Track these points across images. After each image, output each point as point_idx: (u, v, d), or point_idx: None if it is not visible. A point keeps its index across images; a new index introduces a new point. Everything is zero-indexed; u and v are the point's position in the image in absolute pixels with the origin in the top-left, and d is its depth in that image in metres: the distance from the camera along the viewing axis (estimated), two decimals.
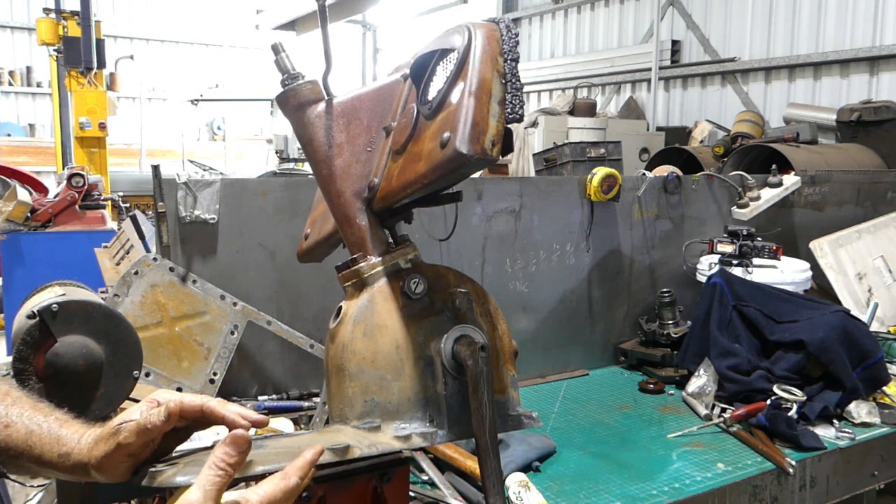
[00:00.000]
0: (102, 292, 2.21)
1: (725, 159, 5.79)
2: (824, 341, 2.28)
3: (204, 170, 10.74)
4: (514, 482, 1.76)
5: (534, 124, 7.43)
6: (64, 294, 1.49)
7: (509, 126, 1.07)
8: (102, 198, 6.21)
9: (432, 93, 1.13)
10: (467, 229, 2.50)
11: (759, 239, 2.81)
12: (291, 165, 10.12)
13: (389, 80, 1.30)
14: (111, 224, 5.96)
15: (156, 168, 2.05)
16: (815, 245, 3.16)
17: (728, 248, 2.77)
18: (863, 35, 6.47)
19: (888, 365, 2.49)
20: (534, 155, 6.78)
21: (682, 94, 8.34)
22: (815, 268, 2.98)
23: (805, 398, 2.19)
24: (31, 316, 1.40)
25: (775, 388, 2.20)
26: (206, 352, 2.03)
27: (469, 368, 1.09)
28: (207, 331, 2.04)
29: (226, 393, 2.13)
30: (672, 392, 2.55)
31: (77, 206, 5.78)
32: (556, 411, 2.39)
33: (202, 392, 1.99)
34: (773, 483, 1.94)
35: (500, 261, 2.58)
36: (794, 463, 1.95)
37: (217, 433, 1.78)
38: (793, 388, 2.20)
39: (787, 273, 2.72)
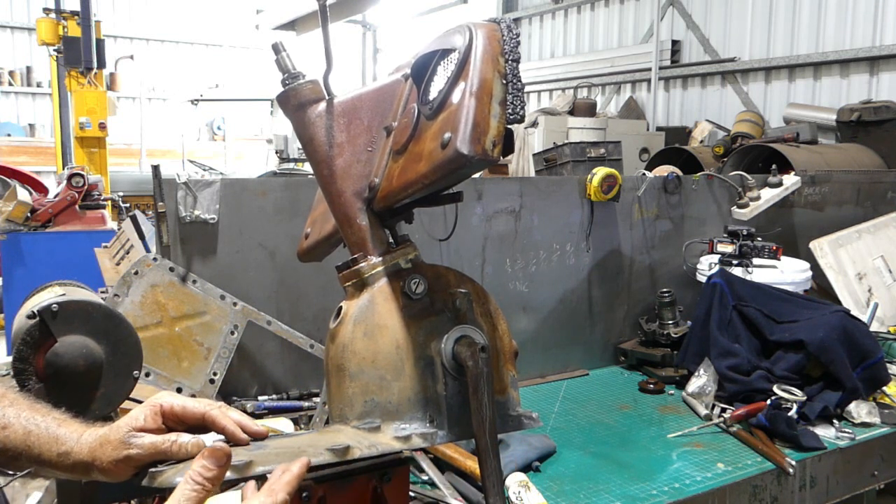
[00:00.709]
0: (102, 292, 2.21)
1: (725, 159, 5.79)
2: (824, 341, 2.28)
3: (204, 170, 10.74)
4: (514, 482, 1.76)
5: (534, 124, 7.43)
6: (64, 294, 1.49)
7: (510, 126, 1.06)
8: (102, 198, 6.21)
9: (433, 93, 1.13)
10: (467, 229, 2.50)
11: (759, 239, 2.81)
12: (291, 165, 10.12)
13: (390, 79, 1.30)
14: (111, 224, 5.96)
15: (156, 168, 2.05)
16: (815, 245, 3.16)
17: (728, 248, 2.77)
18: (863, 35, 6.47)
19: (888, 365, 2.49)
20: (534, 155, 6.78)
21: (682, 94, 8.34)
22: (815, 268, 2.98)
23: (805, 398, 2.19)
24: (31, 316, 1.40)
25: (775, 388, 2.20)
26: (206, 352, 2.03)
27: (469, 369, 1.09)
28: (207, 331, 2.04)
29: (226, 393, 2.13)
30: (672, 392, 2.55)
31: (77, 206, 5.78)
32: (556, 411, 2.39)
33: (202, 392, 1.99)
34: (773, 483, 1.94)
35: (500, 261, 2.58)
36: (794, 463, 1.95)
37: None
38: (793, 388, 2.20)
39: (787, 273, 2.72)
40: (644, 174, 2.94)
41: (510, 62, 1.08)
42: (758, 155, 5.65)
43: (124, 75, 15.36)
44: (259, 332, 2.15)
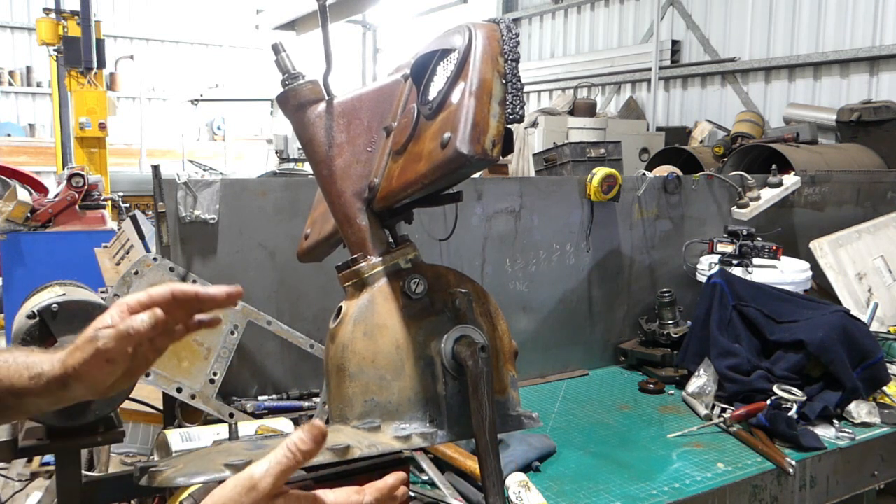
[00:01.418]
0: (102, 292, 2.21)
1: (725, 159, 5.80)
2: (824, 341, 2.28)
3: (204, 170, 10.74)
4: (514, 482, 1.76)
5: (534, 124, 7.43)
6: (64, 294, 1.49)
7: (509, 126, 1.07)
8: (102, 198, 6.21)
9: (433, 93, 1.13)
10: (467, 229, 2.50)
11: (759, 239, 2.81)
12: (291, 165, 10.12)
13: (390, 80, 1.30)
14: (111, 224, 5.96)
15: (156, 168, 2.05)
16: (815, 245, 3.16)
17: (728, 248, 2.77)
18: (863, 35, 6.47)
19: (888, 365, 2.49)
20: (534, 155, 6.78)
21: (682, 94, 8.34)
22: (815, 268, 2.98)
23: (805, 398, 2.19)
24: (31, 316, 1.40)
25: (775, 388, 2.20)
26: (206, 352, 2.03)
27: (469, 369, 1.09)
28: (207, 331, 2.04)
29: (226, 393, 2.13)
30: (672, 392, 2.55)
31: (77, 206, 5.77)
32: (556, 411, 2.39)
33: (202, 392, 1.99)
34: (773, 483, 1.94)
35: (500, 261, 2.58)
36: (794, 463, 1.95)
37: (217, 433, 1.78)
38: (793, 388, 2.20)
39: (787, 273, 2.72)
40: (644, 174, 2.94)
41: (510, 62, 1.08)
42: (758, 155, 5.65)
43: (124, 75, 15.36)
44: (259, 332, 2.15)
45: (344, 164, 1.22)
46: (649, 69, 8.17)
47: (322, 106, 1.23)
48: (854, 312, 2.65)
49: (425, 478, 1.84)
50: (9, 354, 1.04)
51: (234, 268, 2.16)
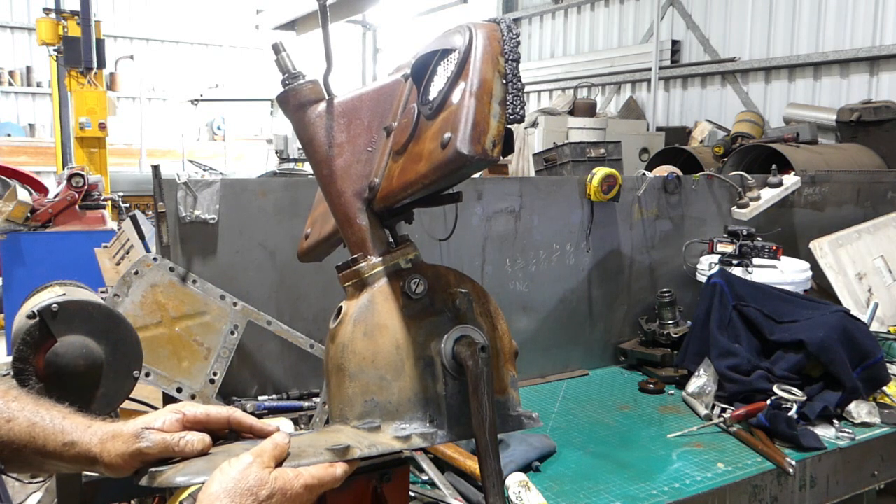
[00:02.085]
0: (102, 292, 2.21)
1: (725, 159, 5.80)
2: (824, 341, 2.28)
3: (204, 170, 10.73)
4: (514, 482, 1.76)
5: (534, 124, 7.44)
6: (64, 294, 1.49)
7: (510, 126, 1.06)
8: (102, 198, 6.21)
9: (433, 93, 1.13)
10: (467, 229, 2.50)
11: (759, 239, 2.81)
12: (291, 165, 10.12)
13: (390, 79, 1.30)
14: (111, 224, 5.96)
15: (156, 168, 2.05)
16: (815, 245, 3.15)
17: (728, 248, 2.77)
18: (863, 35, 6.47)
19: (888, 365, 2.49)
20: (534, 155, 6.78)
21: (682, 94, 8.34)
22: (815, 268, 2.98)
23: (805, 398, 2.19)
24: (31, 316, 1.40)
25: (775, 388, 2.20)
26: (206, 352, 2.03)
27: (469, 369, 1.09)
28: (207, 331, 2.04)
29: (226, 393, 2.13)
30: (672, 392, 2.55)
31: (77, 206, 5.78)
32: (556, 411, 2.39)
33: (202, 392, 1.99)
34: (773, 483, 1.94)
35: (500, 261, 2.58)
36: (794, 463, 1.95)
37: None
38: (793, 388, 2.20)
39: (787, 273, 2.72)
40: (644, 174, 2.94)
41: (510, 62, 1.08)
42: (758, 155, 5.66)
43: (124, 75, 15.37)
44: (259, 332, 2.15)
45: (344, 164, 1.21)
46: (649, 69, 8.17)
47: (322, 106, 1.23)
48: (854, 312, 2.65)
49: (425, 478, 1.84)
50: (46, 413, 1.04)
51: (234, 268, 2.16)
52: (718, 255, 2.78)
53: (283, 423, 2.03)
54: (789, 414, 2.12)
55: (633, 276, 2.92)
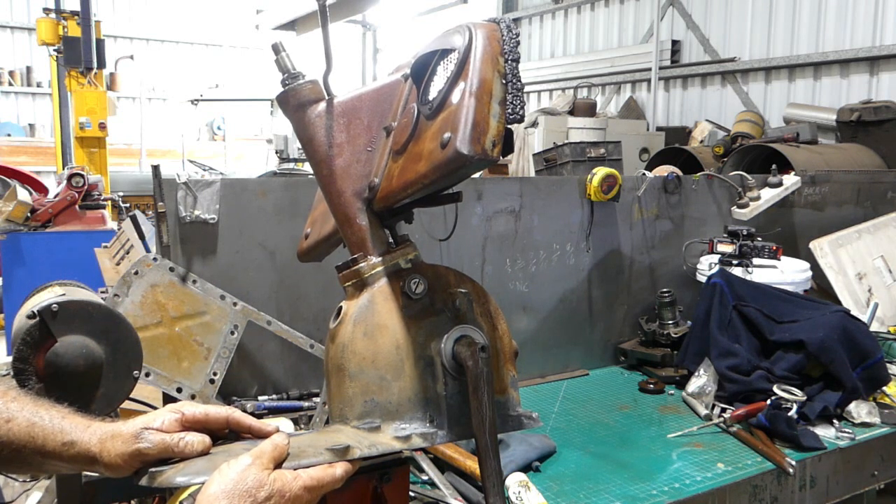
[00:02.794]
0: (102, 292, 2.21)
1: (725, 159, 5.80)
2: (824, 341, 2.28)
3: (204, 170, 10.74)
4: (514, 482, 1.76)
5: (534, 124, 7.43)
6: (64, 294, 1.49)
7: (510, 126, 1.06)
8: (102, 198, 6.21)
9: (433, 93, 1.13)
10: (467, 229, 2.50)
11: (759, 239, 2.81)
12: (291, 165, 10.11)
13: (390, 79, 1.30)
14: (111, 224, 5.96)
15: (156, 168, 2.05)
16: (815, 245, 3.15)
17: (728, 248, 2.77)
18: (863, 35, 6.47)
19: (888, 365, 2.49)
20: (534, 155, 6.78)
21: (682, 94, 8.34)
22: (815, 268, 2.98)
23: (805, 398, 2.19)
24: (31, 316, 1.40)
25: (775, 388, 2.20)
26: (206, 352, 2.03)
27: (469, 369, 1.09)
28: (207, 331, 2.04)
29: (226, 393, 2.13)
30: (672, 392, 2.55)
31: (77, 206, 5.78)
32: (556, 411, 2.39)
33: (202, 392, 1.99)
34: (773, 483, 1.94)
35: (500, 261, 2.58)
36: (794, 463, 1.95)
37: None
38: (793, 388, 2.20)
39: (787, 273, 2.72)
40: (644, 174, 2.94)
41: (510, 62, 1.08)
42: (758, 155, 5.66)
43: (124, 75, 15.37)
44: (259, 332, 2.15)
45: (344, 164, 1.21)
46: (649, 69, 8.17)
47: (322, 106, 1.23)
48: (854, 312, 2.65)
49: (425, 478, 1.84)
50: (45, 412, 1.05)
51: (234, 268, 2.16)
52: (718, 255, 2.78)
53: (283, 423, 2.03)
54: (789, 414, 2.12)
55: (633, 276, 2.91)
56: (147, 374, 1.93)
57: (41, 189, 6.65)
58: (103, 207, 6.10)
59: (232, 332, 2.07)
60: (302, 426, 2.10)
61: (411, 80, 1.24)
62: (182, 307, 2.02)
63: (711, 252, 2.84)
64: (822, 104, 6.77)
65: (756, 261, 2.73)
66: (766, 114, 7.22)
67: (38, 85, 15.36)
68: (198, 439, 1.01)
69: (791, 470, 1.94)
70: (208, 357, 2.03)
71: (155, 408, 2.19)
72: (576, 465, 1.98)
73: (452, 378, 1.13)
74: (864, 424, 2.21)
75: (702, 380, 2.38)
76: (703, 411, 2.30)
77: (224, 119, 16.18)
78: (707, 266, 2.80)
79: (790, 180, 3.21)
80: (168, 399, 2.03)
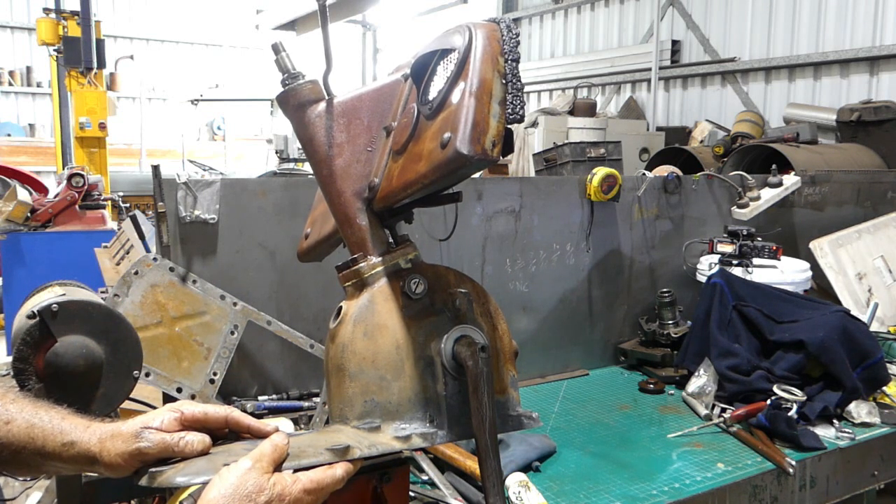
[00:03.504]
0: (102, 292, 2.21)
1: (725, 159, 5.80)
2: (824, 341, 2.28)
3: (204, 170, 10.74)
4: (514, 482, 1.76)
5: (534, 124, 7.43)
6: (64, 294, 1.49)
7: (510, 126, 1.06)
8: (102, 198, 6.21)
9: (433, 93, 1.13)
10: (467, 229, 2.50)
11: (759, 239, 2.81)
12: (291, 165, 10.11)
13: (390, 79, 1.30)
14: (111, 224, 5.96)
15: (156, 168, 2.05)
16: (815, 245, 3.15)
17: (728, 248, 2.77)
18: (863, 35, 6.47)
19: (888, 365, 2.49)
20: (534, 155, 6.78)
21: (682, 94, 8.34)
22: (815, 268, 2.98)
23: (805, 398, 2.19)
24: (31, 316, 1.40)
25: (775, 388, 2.20)
26: (206, 352, 2.03)
27: (469, 369, 1.09)
28: (207, 331, 2.04)
29: (226, 393, 2.13)
30: (672, 392, 2.55)
31: (77, 206, 5.78)
32: (556, 411, 2.39)
33: (202, 392, 1.99)
34: (773, 483, 1.94)
35: (500, 261, 2.58)
36: (794, 463, 1.95)
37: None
38: (793, 388, 2.20)
39: (787, 273, 2.72)
40: (644, 174, 2.94)
41: (510, 62, 1.08)
42: (758, 155, 5.66)
43: (124, 75, 15.37)
44: (259, 332, 2.15)
45: (344, 164, 1.21)
46: (649, 69, 8.17)
47: (322, 106, 1.23)
48: (854, 312, 2.65)
49: (425, 478, 1.84)
50: (45, 413, 1.05)
51: (234, 268, 2.16)
52: (718, 255, 2.78)
53: (283, 423, 2.03)
54: (789, 414, 2.12)
55: (633, 276, 2.92)
56: (147, 374, 1.93)
57: (41, 189, 6.65)
58: (103, 207, 6.10)
59: (232, 332, 2.07)
60: (302, 426, 2.10)
61: (411, 80, 1.24)
62: (182, 307, 2.02)
63: (711, 252, 2.84)
64: (822, 104, 6.77)
65: (756, 261, 2.73)
66: (766, 114, 7.22)
67: (38, 85, 15.36)
68: (198, 439, 1.01)
69: (791, 470, 1.94)
70: (208, 357, 2.03)
71: (155, 408, 2.19)
72: (576, 465, 1.98)
73: (452, 378, 1.13)
74: (864, 424, 2.21)
75: (702, 380, 2.38)
76: (703, 411, 2.30)
77: (224, 119, 16.18)
78: (707, 266, 2.80)
79: (790, 180, 3.21)
80: (168, 399, 2.03)
